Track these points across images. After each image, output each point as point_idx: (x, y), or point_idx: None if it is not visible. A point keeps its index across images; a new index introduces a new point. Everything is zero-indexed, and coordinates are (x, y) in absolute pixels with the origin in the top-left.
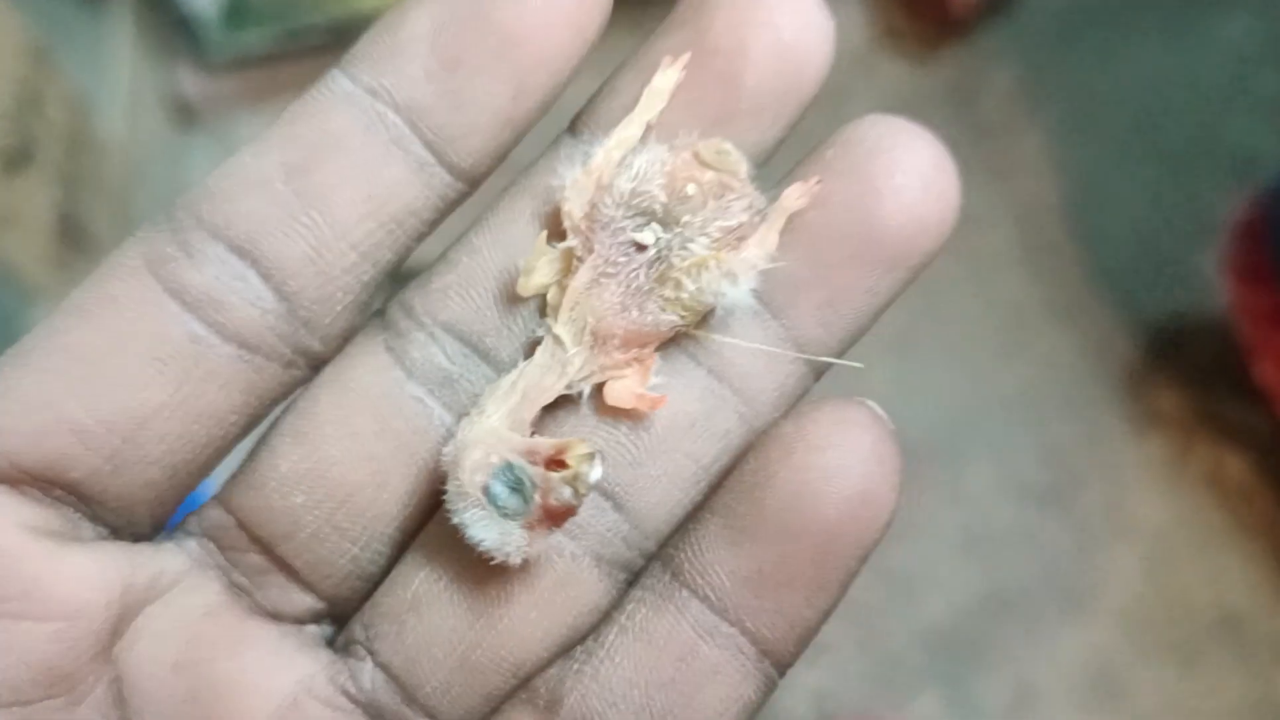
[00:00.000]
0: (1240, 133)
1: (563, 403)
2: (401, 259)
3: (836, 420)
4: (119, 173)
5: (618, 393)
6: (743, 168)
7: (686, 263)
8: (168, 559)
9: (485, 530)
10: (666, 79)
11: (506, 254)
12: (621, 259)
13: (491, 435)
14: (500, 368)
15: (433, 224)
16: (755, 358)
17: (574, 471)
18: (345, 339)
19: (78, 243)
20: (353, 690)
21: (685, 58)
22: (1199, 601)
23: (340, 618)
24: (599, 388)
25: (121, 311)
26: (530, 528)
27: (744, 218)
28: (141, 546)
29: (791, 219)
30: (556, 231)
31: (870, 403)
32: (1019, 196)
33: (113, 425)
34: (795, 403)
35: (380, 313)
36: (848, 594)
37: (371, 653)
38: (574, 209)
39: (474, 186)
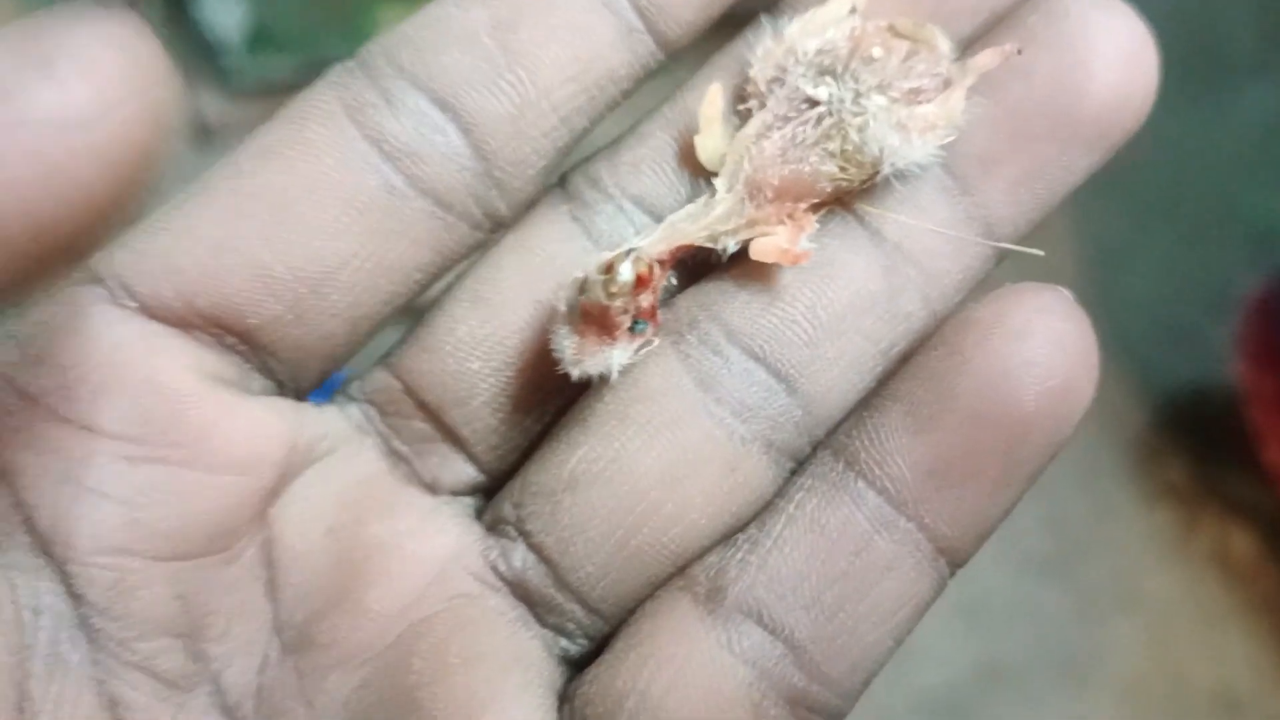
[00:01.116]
0: (1260, 204)
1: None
2: (593, 126)
3: (1037, 306)
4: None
5: (762, 247)
6: (941, 41)
7: (855, 114)
8: (331, 422)
9: (560, 341)
10: None
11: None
12: (792, 113)
13: (588, 262)
14: None
15: (627, 94)
16: (942, 235)
17: (610, 270)
18: (528, 206)
19: None
20: (502, 568)
21: None
22: (1199, 679)
23: (495, 492)
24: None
25: (319, 155)
26: (582, 335)
27: (927, 81)
28: (306, 406)
29: (988, 87)
30: (739, 99)
31: (1066, 290)
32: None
33: (300, 273)
34: (975, 286)
35: (561, 183)
36: None
37: (523, 533)
38: (759, 74)
39: (674, 59)
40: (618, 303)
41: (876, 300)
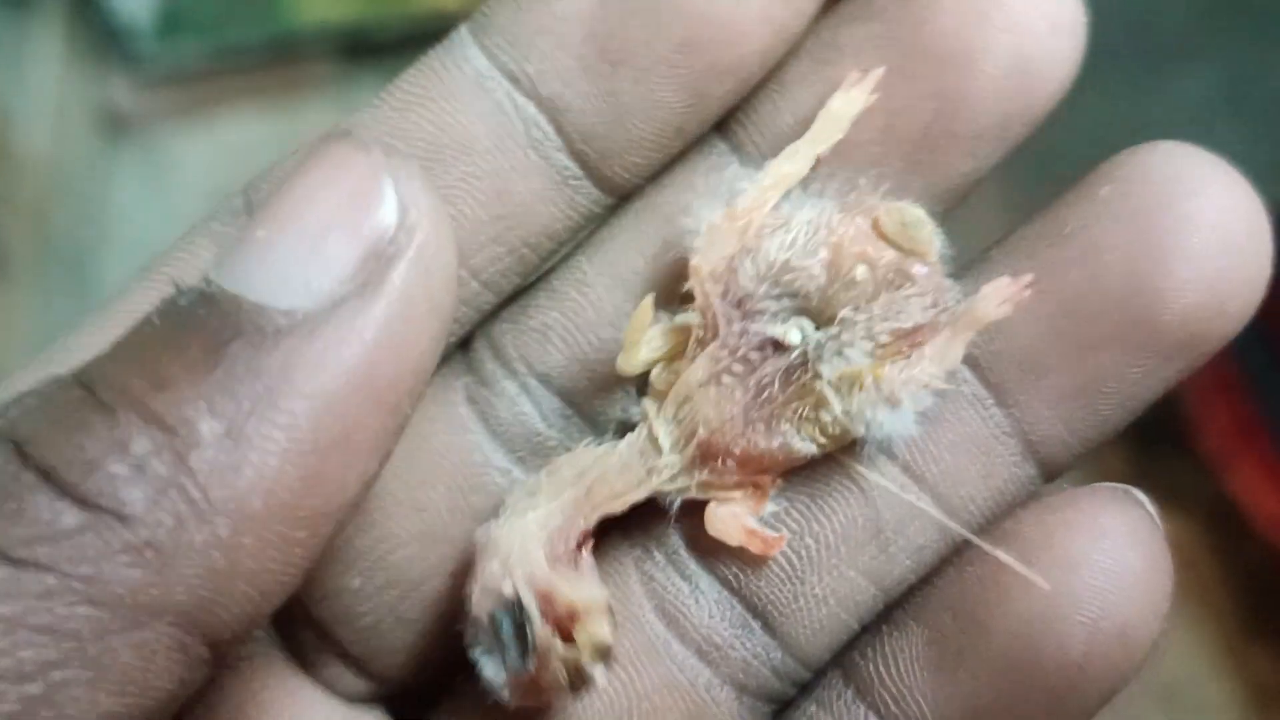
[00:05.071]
0: None
1: (654, 511)
2: (526, 283)
3: (1096, 527)
4: (39, 189)
5: (722, 521)
6: (934, 247)
7: (837, 374)
8: None
9: (487, 658)
10: (850, 104)
11: (625, 293)
12: (753, 355)
13: (520, 545)
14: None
15: (565, 246)
16: (968, 452)
17: (576, 653)
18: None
19: None
20: None
21: (876, 76)
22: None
23: (416, 694)
24: (697, 506)
25: None
26: (523, 683)
27: (923, 318)
28: None
29: (1040, 271)
30: (674, 293)
31: (1138, 493)
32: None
33: None
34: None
35: (462, 344)
36: None
37: None
38: (705, 266)
39: (623, 203)
40: (579, 690)
41: (880, 529)
